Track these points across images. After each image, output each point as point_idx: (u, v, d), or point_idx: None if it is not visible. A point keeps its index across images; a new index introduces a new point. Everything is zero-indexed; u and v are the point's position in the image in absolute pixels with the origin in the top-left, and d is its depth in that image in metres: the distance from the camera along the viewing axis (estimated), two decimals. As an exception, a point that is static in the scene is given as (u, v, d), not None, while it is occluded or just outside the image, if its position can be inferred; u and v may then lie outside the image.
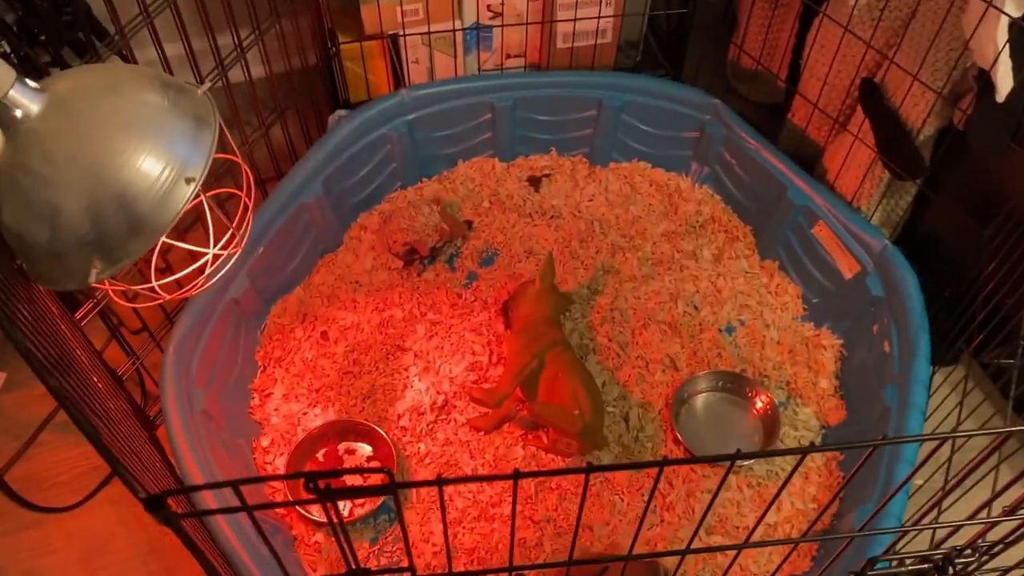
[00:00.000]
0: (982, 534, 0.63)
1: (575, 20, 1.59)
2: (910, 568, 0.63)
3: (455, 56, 1.61)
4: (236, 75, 1.37)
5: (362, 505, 1.33)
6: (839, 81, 1.48)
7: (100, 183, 0.86)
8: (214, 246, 1.05)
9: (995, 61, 1.15)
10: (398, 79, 1.63)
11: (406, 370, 1.46)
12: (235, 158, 1.03)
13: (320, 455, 1.39)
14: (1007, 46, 1.14)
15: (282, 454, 1.37)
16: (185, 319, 1.31)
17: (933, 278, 1.39)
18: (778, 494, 0.61)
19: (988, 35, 1.15)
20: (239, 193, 1.04)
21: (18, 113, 0.85)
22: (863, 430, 1.35)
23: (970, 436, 0.52)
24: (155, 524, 1.36)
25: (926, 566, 0.63)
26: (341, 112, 1.56)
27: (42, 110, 0.86)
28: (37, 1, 1.35)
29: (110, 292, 1.04)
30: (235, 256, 1.03)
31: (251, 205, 1.05)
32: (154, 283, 1.04)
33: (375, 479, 1.33)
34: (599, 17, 1.60)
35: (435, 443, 1.39)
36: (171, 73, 1.22)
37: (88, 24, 1.52)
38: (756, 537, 1.32)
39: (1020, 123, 1.25)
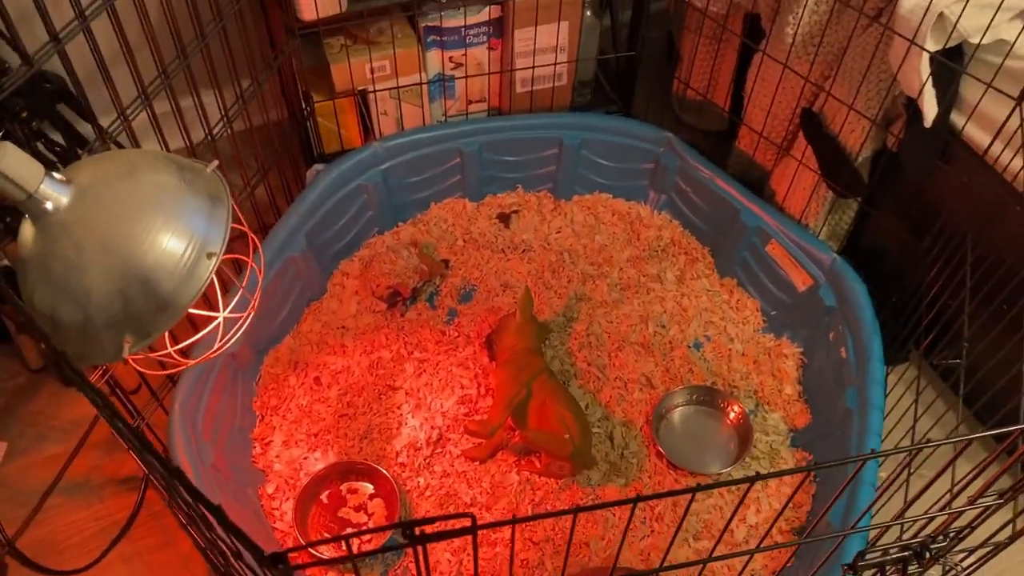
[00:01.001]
0: (950, 523, 0.74)
1: (533, 68, 1.69)
2: (894, 556, 0.73)
3: (422, 106, 1.70)
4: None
5: (369, 541, 1.40)
6: (781, 111, 1.61)
7: (129, 266, 0.93)
8: (223, 310, 1.11)
9: (921, 91, 1.28)
10: (367, 131, 1.71)
11: (399, 408, 1.54)
12: (243, 228, 1.10)
13: (324, 496, 1.45)
14: (931, 77, 1.27)
15: (287, 499, 1.43)
16: (188, 376, 1.37)
17: (879, 287, 1.52)
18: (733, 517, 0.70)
19: (912, 68, 1.28)
20: (247, 260, 1.11)
21: (48, 205, 0.91)
22: (828, 431, 1.47)
23: (937, 446, 0.62)
24: (169, 578, 1.41)
25: (907, 553, 0.73)
26: (318, 167, 1.64)
27: (70, 201, 0.92)
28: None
29: (131, 362, 1.10)
30: (249, 319, 1.10)
31: (261, 272, 1.12)
32: (170, 349, 1.11)
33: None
34: (555, 64, 1.70)
35: (433, 476, 1.46)
36: (163, 138, 1.29)
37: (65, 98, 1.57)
38: (739, 538, 1.43)
39: (946, 145, 1.39)
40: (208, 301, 1.10)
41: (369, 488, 1.46)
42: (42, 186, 0.90)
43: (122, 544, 1.43)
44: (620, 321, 1.66)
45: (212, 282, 1.07)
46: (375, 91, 1.61)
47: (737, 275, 1.72)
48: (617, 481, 1.47)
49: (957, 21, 1.21)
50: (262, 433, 1.51)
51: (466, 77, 1.69)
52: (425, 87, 1.67)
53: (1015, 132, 1.23)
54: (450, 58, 1.68)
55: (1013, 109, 1.22)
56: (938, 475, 0.70)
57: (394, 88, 1.62)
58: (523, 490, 1.45)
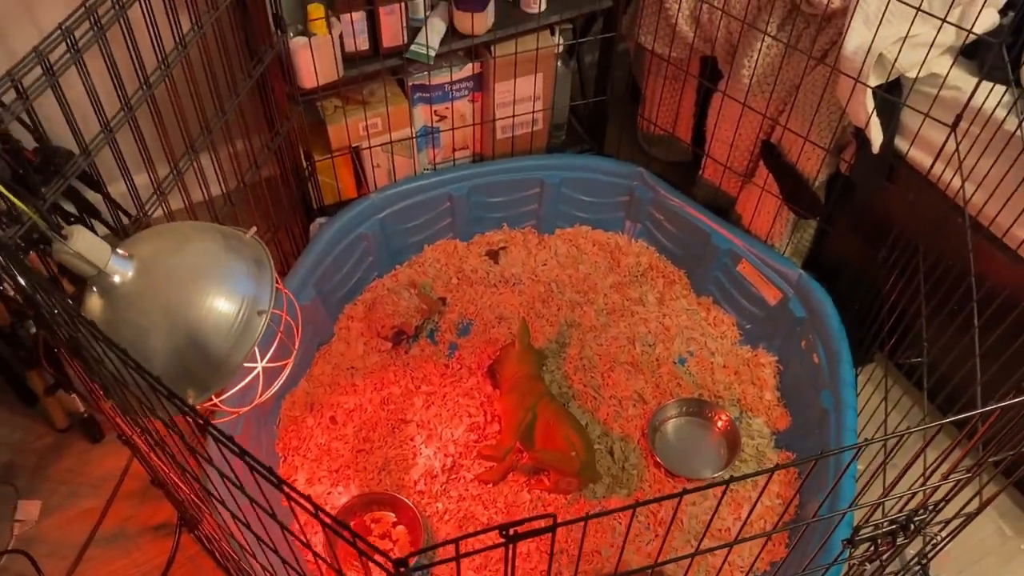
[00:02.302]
0: (928, 498, 0.88)
1: (513, 117, 1.83)
2: (884, 530, 0.87)
3: (412, 157, 1.82)
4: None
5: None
6: (742, 143, 1.76)
7: (189, 329, 1.03)
8: (260, 361, 1.22)
9: (867, 122, 1.44)
10: (360, 182, 1.83)
11: (412, 440, 1.65)
12: (279, 286, 1.21)
13: (351, 526, 1.55)
14: (875, 109, 1.43)
15: (315, 532, 1.53)
16: (220, 426, 1.46)
17: (842, 296, 1.67)
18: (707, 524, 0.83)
19: (859, 102, 1.44)
20: (285, 316, 1.22)
21: (116, 279, 1.02)
22: (807, 431, 1.62)
23: (911, 433, 0.76)
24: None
25: (895, 527, 0.87)
26: (321, 220, 1.75)
27: (134, 274, 1.03)
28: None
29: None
30: (289, 368, 1.21)
31: (298, 327, 1.23)
32: (216, 400, 1.21)
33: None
34: (533, 112, 1.84)
35: (451, 500, 1.57)
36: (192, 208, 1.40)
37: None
38: (735, 535, 1.56)
39: (892, 167, 1.55)
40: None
41: (391, 516, 1.57)
42: (110, 263, 1.01)
43: (164, 590, 1.52)
44: (609, 343, 1.80)
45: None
46: (370, 147, 1.74)
47: (712, 294, 1.86)
48: (620, 492, 1.59)
49: (895, 60, 1.38)
50: (286, 473, 1.61)
51: (452, 129, 1.82)
52: (414, 140, 1.80)
53: (952, 154, 1.39)
54: (435, 112, 1.81)
55: (949, 134, 1.39)
56: (914, 458, 0.84)
57: (387, 143, 1.75)
58: (535, 507, 1.57)
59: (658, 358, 1.78)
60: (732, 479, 0.77)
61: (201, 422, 0.77)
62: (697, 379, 1.75)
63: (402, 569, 0.65)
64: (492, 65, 1.74)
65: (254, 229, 1.16)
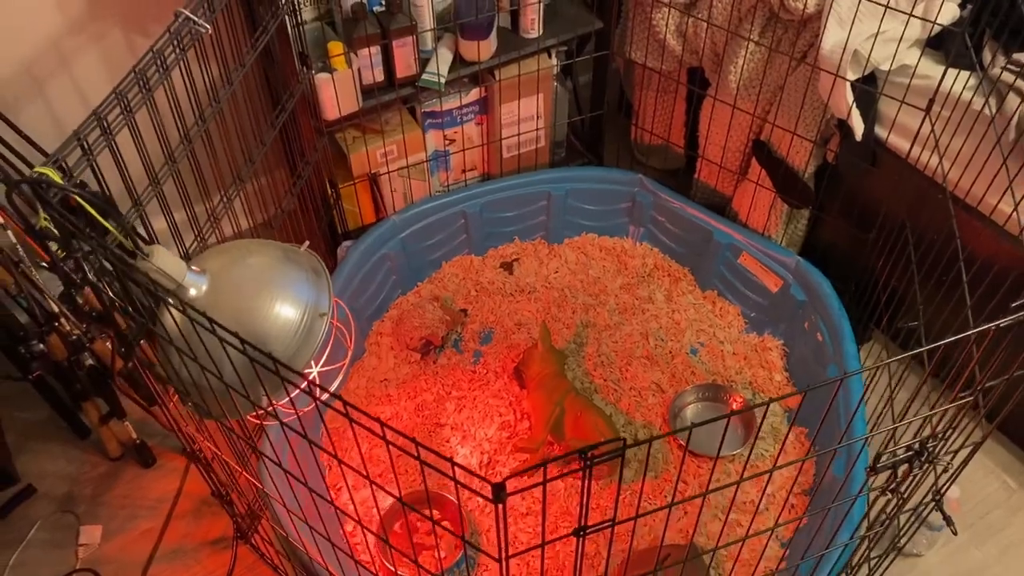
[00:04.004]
0: (940, 422, 0.99)
1: (518, 135, 1.96)
2: (902, 457, 0.98)
3: (426, 180, 1.94)
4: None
5: (445, 559, 1.60)
6: (734, 144, 1.90)
7: (258, 334, 1.14)
8: (316, 366, 1.33)
9: (849, 113, 1.58)
10: (378, 207, 1.94)
11: (448, 442, 1.75)
12: (333, 298, 1.32)
13: (397, 527, 1.65)
14: (854, 101, 1.57)
15: (367, 533, 1.63)
16: (273, 435, 1.56)
17: (838, 278, 1.80)
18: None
19: (839, 95, 1.57)
20: (338, 323, 1.33)
21: (192, 292, 1.12)
22: (818, 405, 1.73)
23: (900, 359, 0.87)
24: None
25: (910, 453, 0.98)
26: (347, 244, 1.86)
27: (207, 287, 1.14)
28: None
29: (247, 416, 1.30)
30: (346, 366, 1.32)
31: (351, 336, 1.34)
32: (274, 404, 1.31)
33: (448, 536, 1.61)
34: (536, 130, 1.97)
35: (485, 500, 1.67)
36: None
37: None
38: (760, 506, 1.66)
39: (875, 153, 1.69)
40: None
41: (436, 514, 1.66)
42: (187, 277, 1.12)
43: (232, 597, 1.60)
44: (624, 340, 1.91)
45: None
46: (388, 172, 1.86)
47: (717, 287, 1.98)
48: (648, 475, 1.70)
49: (869, 55, 1.51)
50: (333, 481, 1.70)
51: (463, 150, 1.95)
52: (427, 163, 1.92)
53: (928, 136, 1.53)
54: (445, 136, 1.94)
55: (924, 117, 1.52)
56: (917, 389, 0.96)
57: (403, 168, 1.87)
58: (569, 494, 1.67)
59: (671, 350, 1.89)
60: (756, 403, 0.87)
61: (310, 396, 0.87)
62: (710, 367, 1.86)
63: (501, 493, 0.75)
64: (497, 88, 1.87)
65: (307, 244, 1.27)
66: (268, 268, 1.19)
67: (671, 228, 2.02)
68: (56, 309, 1.56)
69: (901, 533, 1.30)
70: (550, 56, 1.93)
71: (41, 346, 1.62)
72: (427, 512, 1.66)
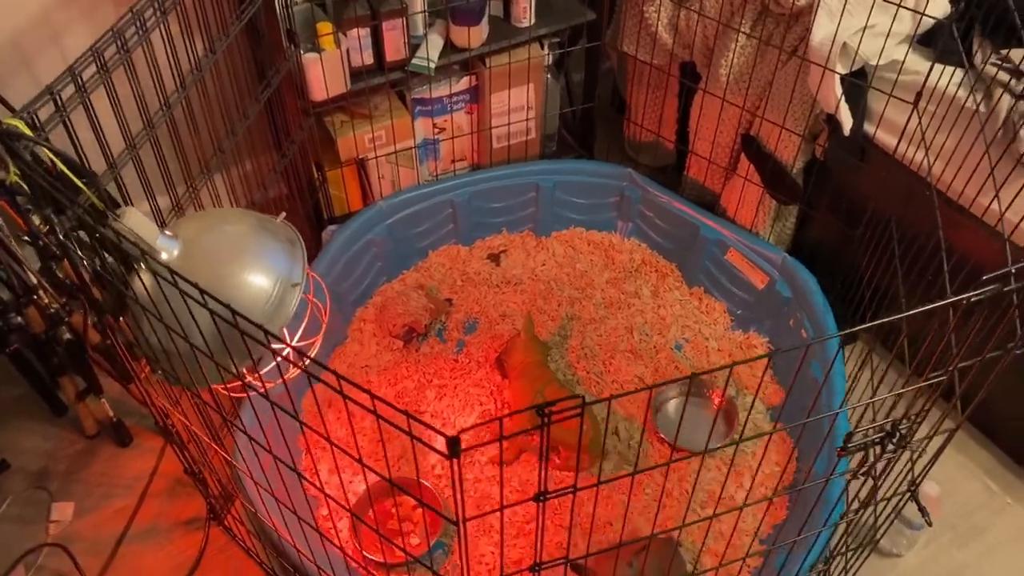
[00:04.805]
0: (912, 403, 0.97)
1: (508, 124, 1.96)
2: (872, 438, 0.96)
3: (414, 167, 1.94)
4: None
5: (419, 546, 1.58)
6: (724, 138, 1.89)
7: (230, 301, 1.13)
8: (292, 339, 1.32)
9: (837, 106, 1.57)
10: (366, 194, 1.94)
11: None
12: (308, 271, 1.31)
13: (371, 513, 1.63)
14: (843, 95, 1.56)
15: (340, 519, 1.61)
16: (247, 414, 1.54)
17: (825, 277, 1.79)
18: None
19: (828, 89, 1.57)
20: (310, 298, 1.32)
21: (164, 256, 1.11)
22: (801, 402, 1.71)
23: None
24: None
25: (882, 434, 0.97)
26: (332, 227, 1.86)
27: (179, 252, 1.13)
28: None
29: (218, 388, 1.29)
30: (319, 344, 1.31)
31: (326, 311, 1.33)
32: (249, 377, 1.30)
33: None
34: (526, 120, 1.97)
35: (467, 482, 1.66)
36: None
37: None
38: (739, 502, 1.64)
39: (863, 149, 1.68)
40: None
41: (411, 501, 1.64)
42: (159, 240, 1.11)
43: (199, 577, 1.59)
44: (608, 334, 1.90)
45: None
46: (376, 157, 1.85)
47: (703, 283, 1.97)
48: (627, 467, 1.68)
49: (857, 48, 1.51)
50: (308, 464, 1.69)
51: (452, 138, 1.94)
52: (416, 151, 1.92)
53: (915, 131, 1.52)
54: (435, 124, 1.93)
55: (911, 111, 1.52)
56: (885, 370, 0.94)
57: (391, 153, 1.86)
58: (547, 484, 1.65)
59: (655, 345, 1.88)
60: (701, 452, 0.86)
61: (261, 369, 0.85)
62: (694, 363, 1.85)
63: (455, 447, 0.74)
64: (487, 76, 1.86)
65: (283, 215, 1.26)
66: (242, 236, 1.18)
67: (659, 223, 2.01)
68: (35, 281, 1.55)
69: (878, 525, 1.28)
70: (542, 47, 1.93)
71: (19, 319, 1.61)
72: (397, 497, 1.65)
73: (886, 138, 1.63)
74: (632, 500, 1.63)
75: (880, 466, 1.09)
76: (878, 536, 1.30)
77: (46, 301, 1.58)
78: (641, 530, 1.60)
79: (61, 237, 1.06)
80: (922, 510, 1.18)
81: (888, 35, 1.50)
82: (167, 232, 1.13)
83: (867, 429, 0.96)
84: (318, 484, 1.65)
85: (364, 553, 1.54)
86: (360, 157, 1.85)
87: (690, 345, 1.89)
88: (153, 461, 1.74)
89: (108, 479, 1.72)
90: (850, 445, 0.97)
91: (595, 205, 2.06)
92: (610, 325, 1.91)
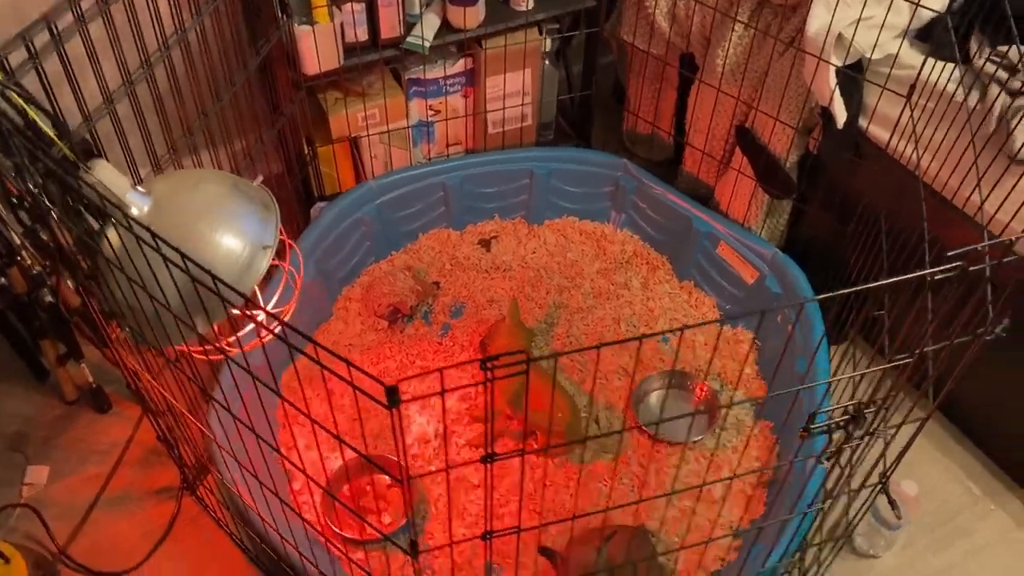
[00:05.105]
0: (878, 386, 0.96)
1: (503, 108, 1.95)
2: (837, 420, 0.94)
3: (408, 149, 1.93)
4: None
5: (391, 525, 1.57)
6: (718, 130, 1.88)
7: (200, 261, 1.12)
8: (265, 305, 1.31)
9: (831, 98, 1.55)
10: (358, 174, 1.93)
11: (407, 409, 1.72)
12: (284, 238, 1.30)
13: (346, 489, 1.62)
14: (837, 87, 1.54)
15: (313, 493, 1.60)
16: (226, 383, 1.53)
17: (816, 274, 1.76)
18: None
19: (823, 80, 1.55)
20: (286, 265, 1.31)
21: (133, 211, 1.11)
22: (785, 397, 1.69)
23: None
24: (211, 571, 1.55)
25: (847, 416, 0.95)
26: (320, 204, 1.85)
27: (150, 208, 1.12)
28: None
29: (189, 351, 1.28)
30: (290, 313, 1.30)
31: (300, 277, 1.32)
32: (223, 344, 1.29)
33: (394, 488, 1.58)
34: (522, 105, 1.96)
35: (443, 464, 1.64)
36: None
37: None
38: (718, 495, 1.62)
39: (857, 143, 1.66)
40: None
41: (386, 480, 1.64)
42: (129, 195, 1.10)
43: (167, 545, 1.58)
44: (595, 323, 1.88)
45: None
46: (368, 135, 1.84)
47: (694, 277, 1.95)
48: (606, 456, 1.66)
49: (852, 39, 1.49)
50: (284, 439, 1.68)
51: (446, 120, 1.94)
52: (409, 132, 1.91)
53: (906, 125, 1.50)
54: (430, 106, 1.93)
55: (904, 106, 1.50)
56: (847, 348, 0.92)
57: (384, 132, 1.85)
58: (524, 470, 1.64)
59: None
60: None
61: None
62: (680, 356, 1.83)
63: (395, 398, 0.73)
64: (483, 59, 1.86)
65: (260, 178, 1.26)
66: (216, 197, 1.17)
67: (652, 215, 2.00)
68: (18, 242, 1.55)
69: (851, 518, 1.26)
70: (541, 32, 1.92)
71: (2, 279, 1.61)
72: (374, 476, 1.64)
73: (879, 133, 1.61)
74: (610, 490, 1.62)
75: (849, 455, 1.07)
76: (850, 529, 1.28)
77: (28, 263, 1.58)
78: (614, 519, 1.59)
79: (30, 186, 1.06)
80: (892, 503, 1.16)
81: (882, 27, 1.48)
82: (139, 188, 1.12)
83: (832, 410, 0.95)
84: (293, 458, 1.65)
85: (333, 528, 1.52)
86: (353, 136, 1.85)
87: (676, 338, 1.87)
88: (131, 429, 1.73)
89: (85, 445, 1.72)
90: (812, 426, 0.95)
91: (589, 194, 2.05)
92: (597, 315, 1.90)
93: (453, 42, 1.82)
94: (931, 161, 1.49)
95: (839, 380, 1.63)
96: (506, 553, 1.53)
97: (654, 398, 1.77)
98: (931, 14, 1.51)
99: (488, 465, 0.86)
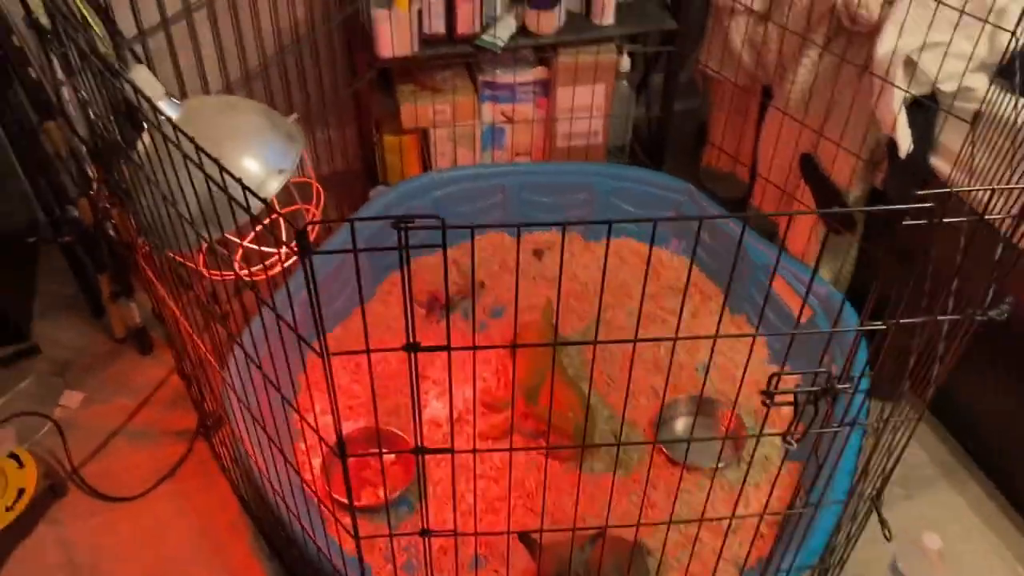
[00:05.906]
0: (848, 366, 0.88)
1: (571, 118, 1.97)
2: (803, 389, 0.88)
3: (475, 151, 1.97)
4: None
5: (394, 491, 1.55)
6: (783, 158, 1.82)
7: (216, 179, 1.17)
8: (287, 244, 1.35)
9: (894, 124, 1.49)
10: (425, 167, 1.98)
11: (426, 393, 1.72)
12: (310, 180, 1.34)
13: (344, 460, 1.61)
14: (903, 111, 1.48)
15: (317, 456, 1.60)
16: (256, 328, 1.56)
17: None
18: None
19: (886, 103, 1.49)
20: (311, 207, 1.35)
21: (163, 118, 1.17)
22: (822, 441, 1.58)
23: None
24: (207, 513, 1.57)
25: (815, 388, 0.88)
26: (381, 187, 1.90)
27: (179, 118, 1.19)
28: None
29: (207, 273, 1.33)
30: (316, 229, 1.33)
31: (318, 214, 1.36)
32: (241, 271, 1.33)
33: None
34: (591, 117, 1.97)
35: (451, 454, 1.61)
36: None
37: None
38: (725, 526, 1.52)
39: (925, 180, 1.57)
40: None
41: (391, 457, 1.62)
42: (162, 101, 1.17)
43: (170, 483, 1.61)
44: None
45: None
46: (435, 128, 1.90)
47: (747, 312, 1.88)
48: (618, 471, 1.60)
49: (918, 63, 1.43)
50: (303, 401, 1.70)
51: (512, 122, 1.97)
52: (478, 133, 1.95)
53: (968, 161, 1.41)
54: (501, 112, 1.97)
55: (967, 136, 1.41)
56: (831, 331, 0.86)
57: (453, 127, 1.90)
58: (529, 469, 1.59)
59: (680, 362, 1.80)
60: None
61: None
62: (716, 385, 1.75)
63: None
64: (557, 69, 1.89)
65: (295, 116, 1.31)
66: (244, 122, 1.23)
67: (711, 244, 1.94)
68: (91, 173, 1.67)
69: (848, 543, 1.16)
70: (620, 52, 1.93)
71: (75, 212, 1.73)
72: (377, 446, 1.62)
73: (945, 168, 1.52)
74: (614, 503, 1.55)
75: (827, 446, 0.99)
76: (844, 555, 1.17)
77: (96, 195, 1.69)
78: (613, 530, 1.51)
79: (78, 72, 1.14)
80: (882, 521, 1.06)
81: (946, 51, 1.42)
82: (173, 99, 1.19)
83: (802, 374, 0.88)
84: (308, 419, 1.66)
85: (333, 495, 1.52)
86: (421, 126, 1.90)
87: (717, 369, 1.79)
88: (166, 372, 1.80)
89: (122, 380, 1.79)
90: (774, 391, 0.89)
91: (649, 217, 2.01)
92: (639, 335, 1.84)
93: (527, 46, 1.86)
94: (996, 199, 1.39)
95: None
96: (493, 544, 1.48)
97: (679, 424, 1.69)
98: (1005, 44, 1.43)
99: (412, 356, 0.84)
